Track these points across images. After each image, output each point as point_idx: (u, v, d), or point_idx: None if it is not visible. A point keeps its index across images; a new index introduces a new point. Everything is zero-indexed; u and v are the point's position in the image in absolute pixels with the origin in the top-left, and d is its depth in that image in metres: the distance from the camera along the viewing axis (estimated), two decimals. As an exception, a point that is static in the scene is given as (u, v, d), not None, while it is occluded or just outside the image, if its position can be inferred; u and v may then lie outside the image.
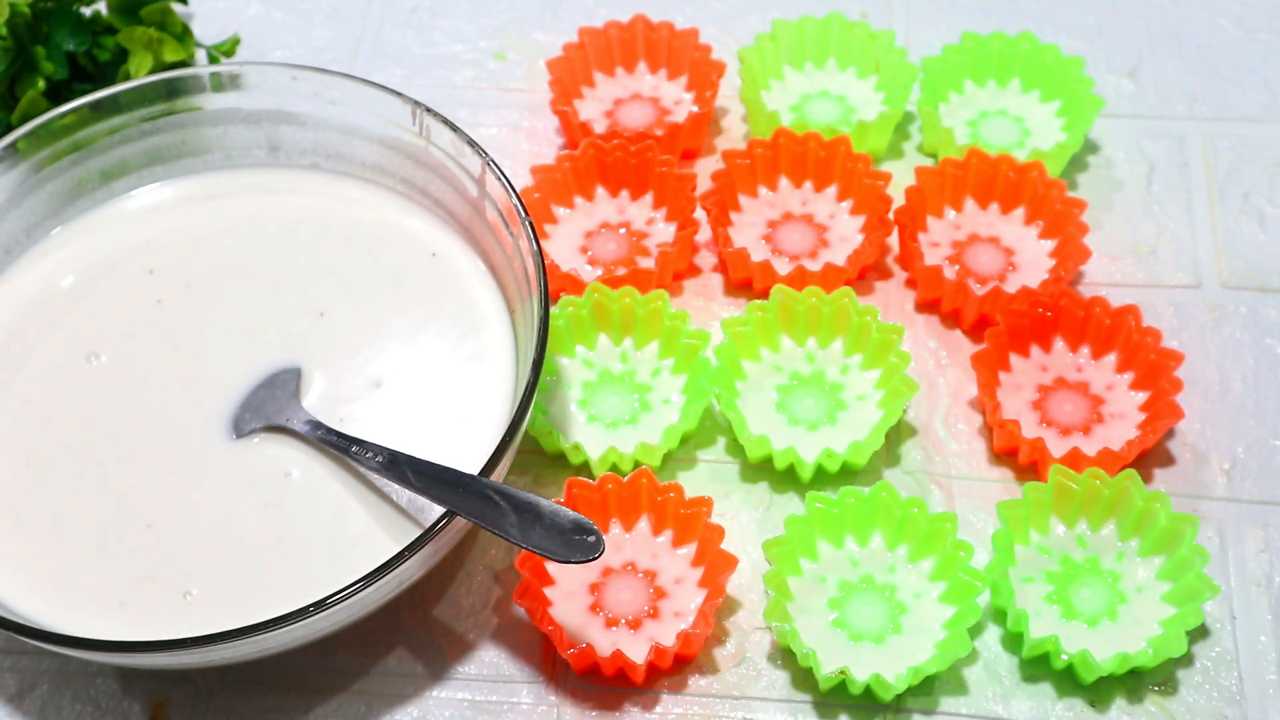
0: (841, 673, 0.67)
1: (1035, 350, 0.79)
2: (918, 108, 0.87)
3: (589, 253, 0.83)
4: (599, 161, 0.85)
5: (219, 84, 0.81)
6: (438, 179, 0.79)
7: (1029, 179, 0.83)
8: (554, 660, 0.71)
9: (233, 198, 0.82)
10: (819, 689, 0.69)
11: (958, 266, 0.82)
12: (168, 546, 0.70)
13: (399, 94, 0.78)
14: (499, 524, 0.65)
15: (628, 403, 0.78)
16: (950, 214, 0.84)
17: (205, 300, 0.78)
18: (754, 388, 0.78)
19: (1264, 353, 0.80)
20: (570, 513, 0.65)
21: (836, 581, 0.72)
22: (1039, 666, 0.70)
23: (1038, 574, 0.72)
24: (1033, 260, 0.82)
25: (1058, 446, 0.75)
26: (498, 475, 0.67)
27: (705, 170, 0.87)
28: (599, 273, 0.82)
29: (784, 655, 0.71)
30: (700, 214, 0.84)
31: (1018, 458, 0.76)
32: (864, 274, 0.83)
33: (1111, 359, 0.78)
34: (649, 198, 0.85)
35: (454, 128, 0.77)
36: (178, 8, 0.95)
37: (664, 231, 0.84)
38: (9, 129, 0.85)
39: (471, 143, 0.76)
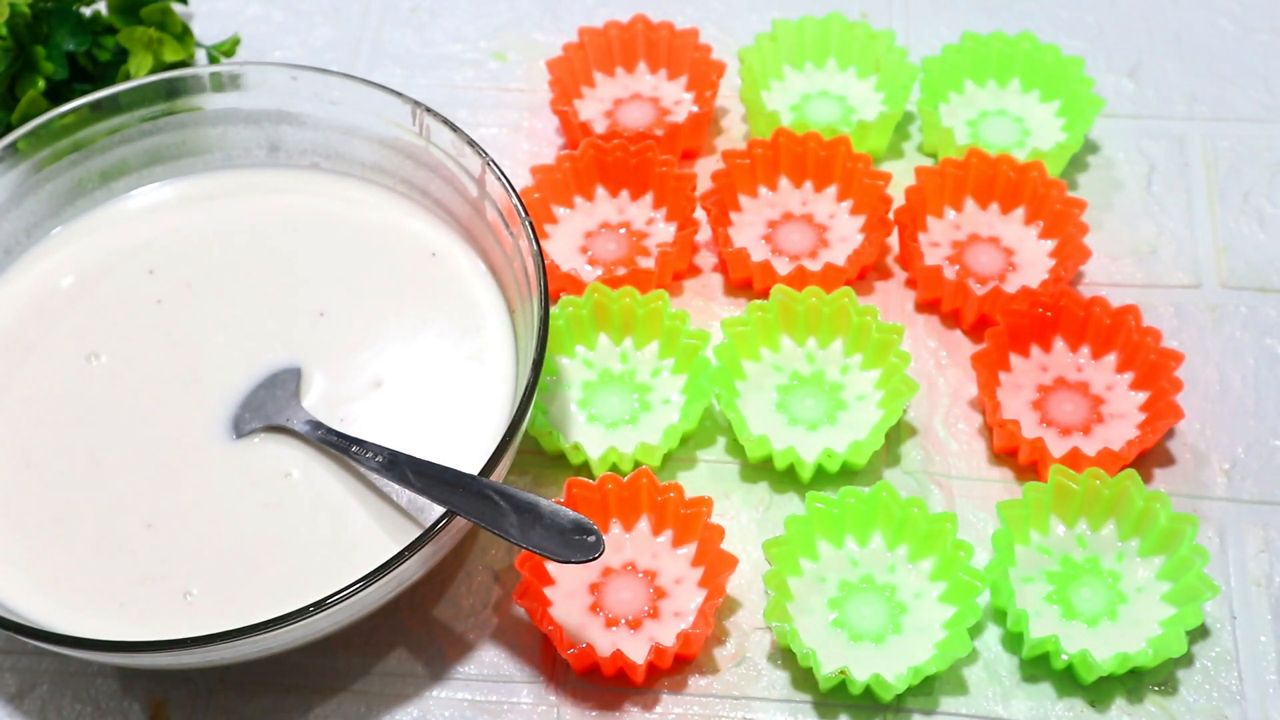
0: (841, 673, 0.67)
1: (1035, 350, 0.79)
2: (918, 108, 0.87)
3: (589, 253, 0.83)
4: (599, 161, 0.85)
5: (219, 84, 0.81)
6: (438, 179, 0.79)
7: (1029, 179, 0.83)
8: (554, 660, 0.71)
9: (233, 198, 0.82)
10: (819, 689, 0.69)
11: (958, 266, 0.82)
12: (168, 546, 0.70)
13: (399, 94, 0.78)
14: (499, 524, 0.65)
15: (628, 403, 0.78)
16: (950, 214, 0.84)
17: (205, 300, 0.78)
18: (754, 388, 0.78)
19: (1264, 353, 0.80)
20: (570, 513, 0.65)
21: (836, 581, 0.72)
22: (1039, 666, 0.70)
23: (1038, 574, 0.72)
24: (1033, 260, 0.82)
25: (1058, 446, 0.75)
26: (498, 475, 0.67)
27: (705, 170, 0.87)
28: (599, 273, 0.82)
29: (784, 655, 0.71)
30: (700, 214, 0.84)
31: (1018, 458, 0.76)
32: (864, 274, 0.83)
33: (1111, 359, 0.78)
34: (649, 198, 0.85)
35: (454, 128, 0.77)
36: (178, 8, 0.95)
37: (664, 231, 0.84)
38: (9, 129, 0.85)
39: (471, 143, 0.76)
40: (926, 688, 0.70)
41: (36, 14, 0.87)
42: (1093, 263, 0.83)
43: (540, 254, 0.71)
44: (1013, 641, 0.71)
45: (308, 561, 0.69)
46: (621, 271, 0.81)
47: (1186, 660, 0.70)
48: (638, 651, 0.69)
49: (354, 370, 0.75)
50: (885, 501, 0.72)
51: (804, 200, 0.85)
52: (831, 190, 0.85)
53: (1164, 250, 0.84)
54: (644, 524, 0.73)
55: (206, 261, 0.79)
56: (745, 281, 0.83)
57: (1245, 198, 0.86)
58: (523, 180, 0.85)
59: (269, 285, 0.78)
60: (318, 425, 0.72)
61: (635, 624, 0.70)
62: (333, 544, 0.70)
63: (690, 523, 0.72)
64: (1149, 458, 0.76)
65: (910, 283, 0.83)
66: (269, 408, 0.73)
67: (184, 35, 0.88)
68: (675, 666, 0.70)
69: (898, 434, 0.78)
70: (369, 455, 0.70)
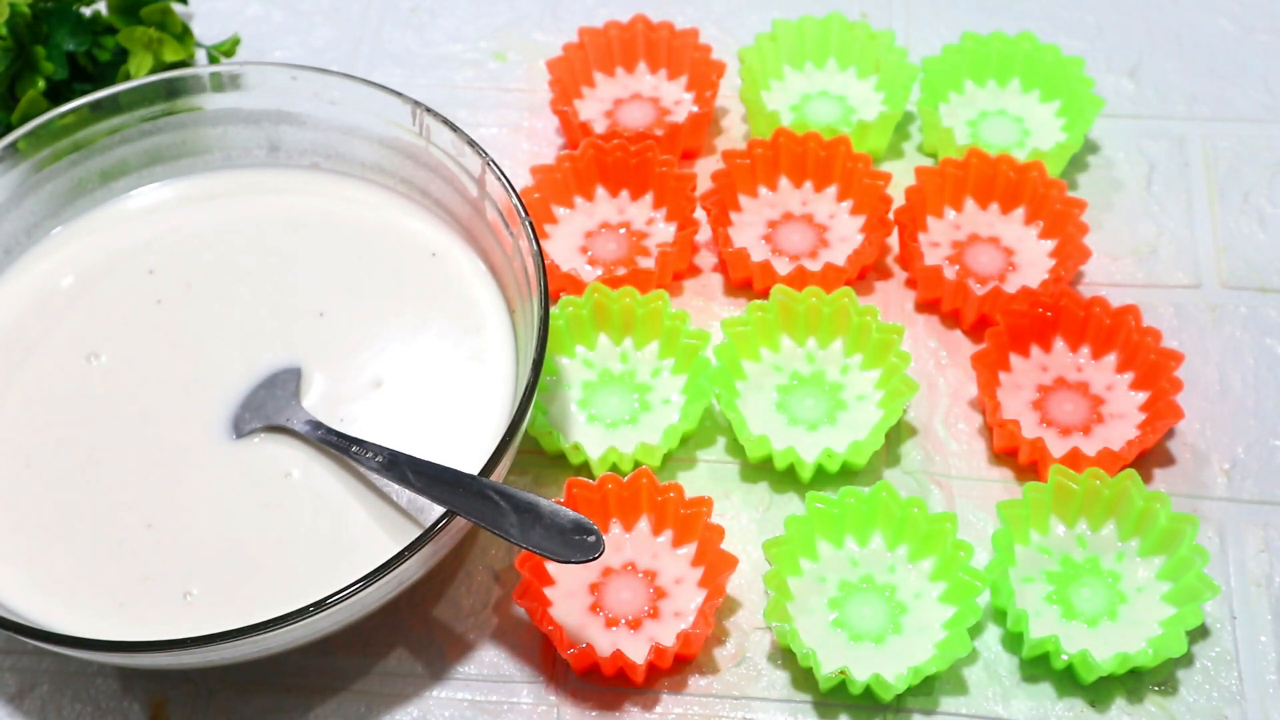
0: (841, 673, 0.67)
1: (1035, 350, 0.79)
2: (918, 108, 0.87)
3: (589, 253, 0.83)
4: (599, 161, 0.85)
5: (219, 84, 0.81)
6: (438, 179, 0.79)
7: (1029, 179, 0.83)
8: (554, 660, 0.71)
9: (233, 198, 0.82)
10: (819, 689, 0.69)
11: (958, 266, 0.82)
12: (168, 546, 0.70)
13: (399, 94, 0.78)
14: (499, 524, 0.65)
15: (628, 403, 0.78)
16: (950, 214, 0.84)
17: (205, 300, 0.78)
18: (754, 388, 0.78)
19: (1264, 353, 0.80)
20: (570, 513, 0.65)
21: (836, 581, 0.72)
22: (1039, 666, 0.70)
23: (1038, 574, 0.72)
24: (1033, 260, 0.82)
25: (1058, 446, 0.75)
26: (498, 475, 0.67)
27: (705, 170, 0.87)
28: (599, 273, 0.82)
29: (784, 655, 0.71)
30: (700, 214, 0.84)
31: (1018, 458, 0.76)
32: (864, 274, 0.83)
33: (1111, 359, 0.78)
34: (649, 198, 0.85)
35: (454, 128, 0.77)
36: (178, 8, 0.95)
37: (664, 231, 0.84)
38: (9, 129, 0.85)
39: (471, 143, 0.76)
40: (926, 688, 0.70)
41: (36, 14, 0.87)
42: (1093, 263, 0.83)
43: (540, 254, 0.71)
44: (1013, 641, 0.71)
45: (308, 561, 0.69)
46: (621, 271, 0.81)
47: (1186, 660, 0.70)
48: (638, 651, 0.69)
49: (354, 370, 0.75)
50: (885, 501, 0.72)
51: (804, 200, 0.85)
52: (831, 190, 0.85)
53: (1164, 250, 0.84)
54: (644, 524, 0.73)
55: (206, 261, 0.79)
56: (745, 281, 0.83)
57: (1245, 198, 0.86)
58: (523, 180, 0.85)
59: (269, 285, 0.78)
60: (318, 425, 0.72)
61: (635, 624, 0.70)
62: (333, 544, 0.70)
63: (690, 523, 0.72)
64: (1149, 458, 0.76)
65: (910, 283, 0.83)
66: (269, 408, 0.73)
67: (184, 35, 0.88)
68: (675, 666, 0.70)
69: (898, 434, 0.78)
70: (369, 455, 0.70)
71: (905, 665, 0.68)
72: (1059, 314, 0.78)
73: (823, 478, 0.76)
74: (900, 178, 0.86)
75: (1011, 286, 0.81)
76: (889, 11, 0.96)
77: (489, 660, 0.71)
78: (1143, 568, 0.72)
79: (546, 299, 0.70)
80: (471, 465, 0.69)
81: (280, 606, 0.64)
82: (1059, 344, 0.79)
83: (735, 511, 0.75)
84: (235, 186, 0.82)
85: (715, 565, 0.70)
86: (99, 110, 0.79)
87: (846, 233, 0.84)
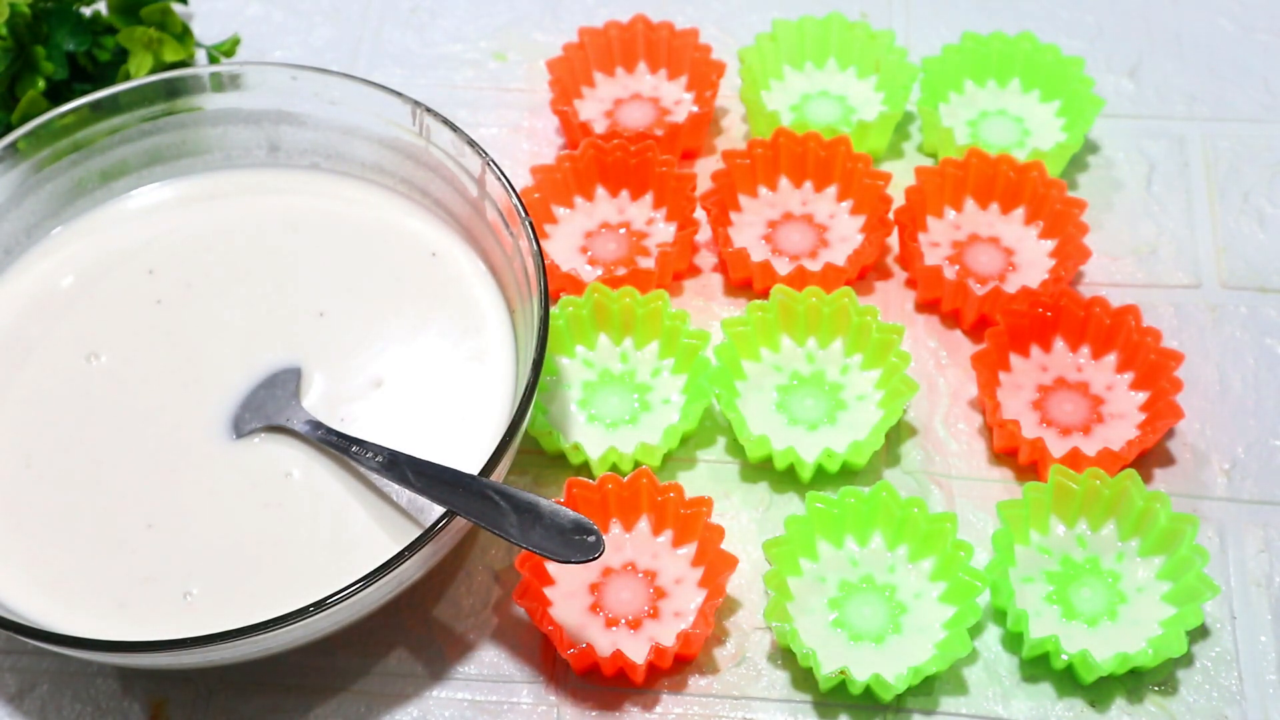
0: (841, 673, 0.67)
1: (1035, 350, 0.79)
2: (918, 108, 0.87)
3: (589, 253, 0.83)
4: (599, 161, 0.85)
5: (219, 84, 0.81)
6: (438, 179, 0.79)
7: (1029, 179, 0.83)
8: (554, 660, 0.71)
9: (233, 198, 0.82)
10: (819, 689, 0.69)
11: (958, 266, 0.82)
12: (168, 546, 0.70)
13: (399, 94, 0.78)
14: (499, 524, 0.65)
15: (628, 403, 0.78)
16: (950, 214, 0.84)
17: (205, 300, 0.78)
18: (754, 388, 0.78)
19: (1264, 353, 0.80)
20: (570, 513, 0.65)
21: (836, 581, 0.72)
22: (1039, 666, 0.70)
23: (1038, 574, 0.72)
24: (1033, 260, 0.82)
25: (1058, 446, 0.75)
26: (498, 475, 0.67)
27: (705, 170, 0.86)
28: (599, 273, 0.82)
29: (784, 655, 0.71)
30: (700, 214, 0.84)
31: (1018, 458, 0.76)
32: (864, 274, 0.83)
33: (1111, 359, 0.78)
34: (649, 198, 0.85)
35: (454, 128, 0.77)
36: (178, 8, 0.95)
37: (664, 231, 0.84)
38: (9, 129, 0.85)
39: (471, 143, 0.76)
40: (926, 688, 0.70)
41: (36, 14, 0.87)
42: (1093, 263, 0.83)
43: (540, 254, 0.71)
44: (1013, 641, 0.71)
45: (308, 561, 0.69)
46: (621, 271, 0.81)
47: (1186, 660, 0.70)
48: (638, 651, 0.69)
49: (354, 370, 0.75)
50: (885, 501, 0.72)
51: (804, 200, 0.85)
52: (831, 190, 0.85)
53: (1164, 250, 0.84)
54: (644, 524, 0.73)
55: (206, 261, 0.79)
56: (745, 281, 0.83)
57: (1245, 198, 0.86)
58: (523, 180, 0.85)
59: (269, 285, 0.78)
60: (318, 425, 0.72)
61: (635, 624, 0.70)
62: (333, 544, 0.70)
63: (690, 523, 0.72)
64: (1149, 458, 0.76)
65: (910, 283, 0.83)
66: (269, 408, 0.73)
67: (184, 35, 0.88)
68: (675, 666, 0.70)
69: (898, 434, 0.78)
70: (369, 455, 0.70)
71: (905, 665, 0.68)
72: (1059, 314, 0.78)
73: (823, 478, 0.76)
74: (900, 178, 0.86)
75: (1011, 286, 0.81)
76: (889, 11, 0.96)
77: (489, 660, 0.71)
78: (1143, 568, 0.72)
79: (546, 299, 0.70)
80: (471, 465, 0.69)
81: (280, 606, 0.64)
82: (1059, 344, 0.79)
83: (735, 511, 0.75)
84: (235, 186, 0.82)
85: (715, 565, 0.70)
86: (99, 110, 0.79)
87: (846, 233, 0.84)
